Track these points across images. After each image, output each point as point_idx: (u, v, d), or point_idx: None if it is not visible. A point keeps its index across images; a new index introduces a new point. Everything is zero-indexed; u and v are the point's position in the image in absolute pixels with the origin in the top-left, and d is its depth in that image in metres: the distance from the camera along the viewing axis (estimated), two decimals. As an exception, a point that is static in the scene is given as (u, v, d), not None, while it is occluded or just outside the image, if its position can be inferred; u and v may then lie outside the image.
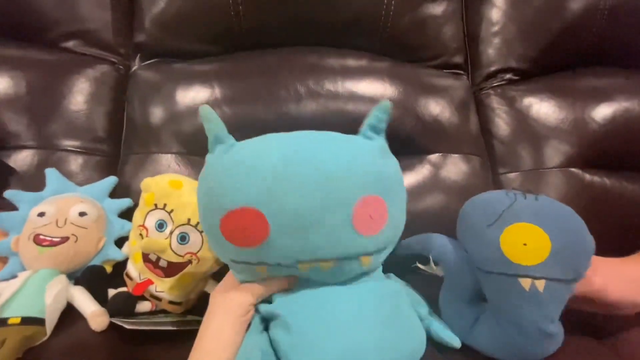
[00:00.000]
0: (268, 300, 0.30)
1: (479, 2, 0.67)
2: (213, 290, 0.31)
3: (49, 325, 0.36)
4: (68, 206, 0.42)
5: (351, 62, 0.58)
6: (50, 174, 0.46)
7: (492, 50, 0.67)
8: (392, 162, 0.31)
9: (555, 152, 0.60)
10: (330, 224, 0.26)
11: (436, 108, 0.58)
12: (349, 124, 0.54)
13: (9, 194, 0.43)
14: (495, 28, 0.66)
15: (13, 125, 0.53)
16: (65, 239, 0.40)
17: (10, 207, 0.43)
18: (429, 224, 0.52)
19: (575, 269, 0.30)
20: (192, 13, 0.58)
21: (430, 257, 0.36)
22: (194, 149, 0.55)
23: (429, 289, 0.37)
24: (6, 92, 0.53)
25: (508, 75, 0.66)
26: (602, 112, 0.59)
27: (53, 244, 0.40)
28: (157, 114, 0.56)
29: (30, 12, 0.58)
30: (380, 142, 0.31)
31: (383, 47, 0.61)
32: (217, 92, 0.55)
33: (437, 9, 0.62)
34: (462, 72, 0.66)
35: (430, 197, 0.54)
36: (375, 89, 0.57)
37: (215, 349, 0.27)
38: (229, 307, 0.28)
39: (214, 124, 0.30)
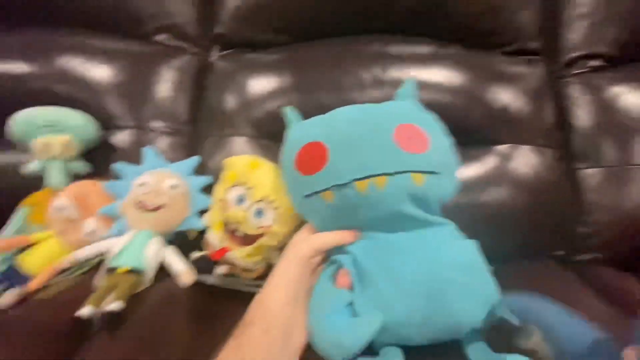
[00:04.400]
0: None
1: (563, -18, 0.61)
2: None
3: (148, 277, 0.43)
4: (163, 179, 0.49)
5: (418, 49, 0.58)
6: (148, 151, 0.54)
7: (575, 34, 0.62)
8: (423, 109, 0.40)
9: (646, 148, 0.54)
10: (376, 143, 0.33)
11: (507, 96, 0.55)
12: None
13: (116, 166, 0.51)
14: (582, 10, 0.60)
15: (115, 109, 0.62)
16: (160, 207, 0.47)
17: (116, 177, 0.51)
18: (491, 218, 0.51)
19: None
20: (266, 5, 0.62)
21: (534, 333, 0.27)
22: (263, 133, 0.59)
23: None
24: (111, 80, 0.62)
25: (593, 62, 0.61)
26: None
27: (152, 210, 0.47)
28: (231, 100, 0.61)
29: (129, 10, 0.67)
30: (410, 100, 0.41)
31: (452, 33, 0.59)
32: (287, 80, 0.59)
33: (514, -9, 0.58)
34: (538, 58, 0.62)
35: (496, 190, 0.53)
36: (442, 76, 0.56)
37: (281, 282, 0.32)
38: (297, 250, 0.33)
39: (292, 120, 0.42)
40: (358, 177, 0.31)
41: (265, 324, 0.28)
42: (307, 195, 0.35)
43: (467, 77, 0.56)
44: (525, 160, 0.54)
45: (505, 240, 0.51)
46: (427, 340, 0.30)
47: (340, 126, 0.35)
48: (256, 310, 0.30)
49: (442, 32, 0.60)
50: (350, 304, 0.31)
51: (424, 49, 0.58)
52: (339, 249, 0.34)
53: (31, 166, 0.51)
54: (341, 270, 0.33)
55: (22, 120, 0.50)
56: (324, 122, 0.37)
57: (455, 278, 0.30)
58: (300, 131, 0.38)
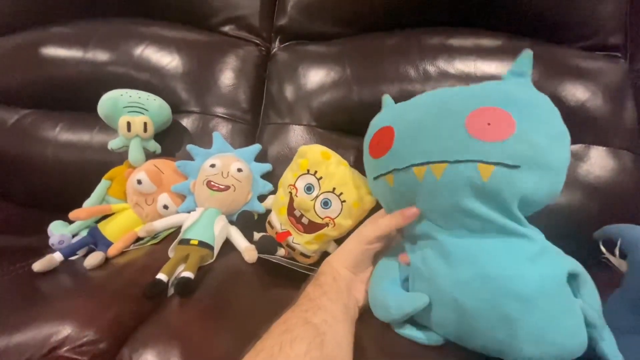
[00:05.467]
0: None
1: (655, -30, 0.56)
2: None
3: (215, 251, 0.46)
4: (230, 162, 0.52)
5: (486, 42, 0.56)
6: (216, 136, 0.57)
7: (661, 29, 0.56)
8: (529, 90, 0.32)
9: None
10: (443, 128, 0.30)
11: (584, 93, 0.52)
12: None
13: (189, 147, 0.55)
14: (673, 2, 0.55)
15: (184, 94, 0.66)
16: (227, 187, 0.50)
17: (188, 157, 0.55)
18: (558, 224, 0.48)
19: None
20: (330, -3, 0.62)
21: (618, 245, 0.31)
22: (321, 123, 0.60)
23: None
24: (182, 67, 0.66)
25: (682, 60, 0.55)
26: None
27: (220, 190, 0.50)
28: (292, 90, 0.63)
29: (199, 2, 0.70)
30: (518, 79, 0.33)
31: (523, 26, 0.57)
32: (348, 71, 0.59)
33: (595, -19, 0.54)
34: (619, 54, 0.57)
35: (565, 193, 0.50)
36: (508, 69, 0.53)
37: (344, 253, 0.37)
38: (361, 234, 0.37)
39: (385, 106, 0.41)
40: (416, 162, 0.30)
41: (332, 275, 0.35)
42: (375, 178, 0.35)
43: (540, 71, 0.53)
44: (599, 162, 0.50)
45: (574, 250, 0.48)
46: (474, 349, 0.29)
47: (411, 111, 0.33)
48: (325, 266, 0.37)
49: (512, 24, 0.57)
50: (407, 279, 0.33)
51: (490, 41, 0.56)
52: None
53: (115, 142, 0.55)
54: None
55: (108, 100, 0.55)
56: (403, 106, 0.36)
57: (502, 311, 0.26)
58: (379, 117, 0.37)
